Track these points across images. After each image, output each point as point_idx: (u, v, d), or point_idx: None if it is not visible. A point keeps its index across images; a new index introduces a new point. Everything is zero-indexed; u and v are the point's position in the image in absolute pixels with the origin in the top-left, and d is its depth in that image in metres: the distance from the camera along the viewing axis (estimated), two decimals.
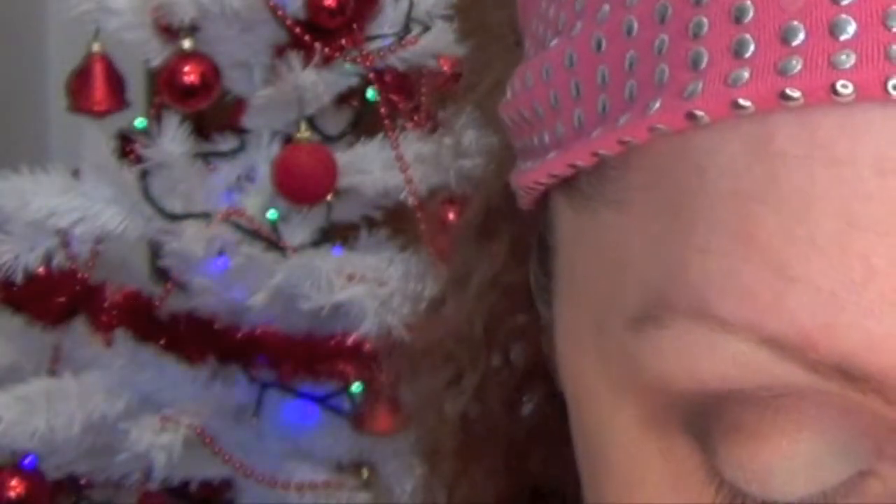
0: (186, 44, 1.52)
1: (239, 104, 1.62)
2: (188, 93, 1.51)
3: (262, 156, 1.60)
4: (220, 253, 1.58)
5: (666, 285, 0.30)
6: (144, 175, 1.53)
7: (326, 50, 1.52)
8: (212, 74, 1.53)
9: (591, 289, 0.34)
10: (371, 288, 1.48)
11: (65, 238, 1.55)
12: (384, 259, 1.54)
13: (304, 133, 1.54)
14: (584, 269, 0.34)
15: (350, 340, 1.52)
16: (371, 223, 1.66)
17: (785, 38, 0.28)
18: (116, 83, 1.62)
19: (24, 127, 2.39)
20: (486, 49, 0.44)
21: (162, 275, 1.64)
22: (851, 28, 0.27)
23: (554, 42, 0.33)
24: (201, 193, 1.56)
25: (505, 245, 0.43)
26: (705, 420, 0.30)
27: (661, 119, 0.29)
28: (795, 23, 0.27)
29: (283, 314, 1.55)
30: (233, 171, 1.62)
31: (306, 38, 1.52)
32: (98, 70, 1.61)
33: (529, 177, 0.34)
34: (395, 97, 1.63)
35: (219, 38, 1.54)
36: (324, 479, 1.59)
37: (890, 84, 0.27)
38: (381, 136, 1.61)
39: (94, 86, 1.60)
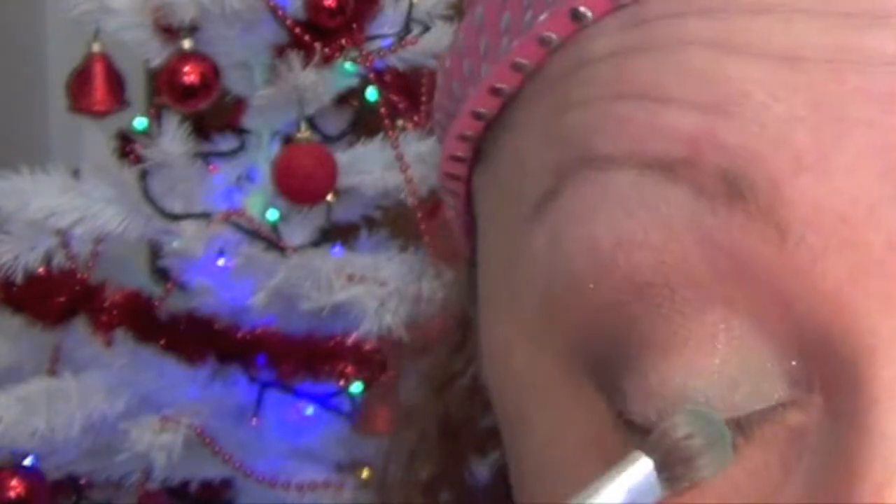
0: (186, 44, 1.52)
1: (239, 104, 1.62)
2: (188, 93, 1.51)
3: (262, 156, 1.61)
4: (220, 253, 1.58)
5: (555, 155, 0.31)
6: (144, 175, 1.53)
7: (326, 50, 1.52)
8: (212, 74, 1.53)
9: (500, 224, 0.34)
10: (371, 288, 1.48)
11: (65, 238, 1.55)
12: (384, 259, 1.55)
13: (304, 133, 1.54)
14: (492, 217, 0.34)
15: (350, 340, 1.52)
16: (371, 223, 1.67)
17: None
18: (116, 83, 1.62)
19: (24, 127, 2.39)
20: None
21: (162, 275, 1.64)
22: None
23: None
24: (201, 193, 1.56)
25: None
26: (613, 360, 0.30)
27: (548, 27, 0.31)
28: None
29: (283, 314, 1.55)
30: (233, 171, 1.62)
31: (306, 38, 1.52)
32: (98, 70, 1.61)
33: (445, 154, 0.35)
34: (395, 97, 1.63)
35: (219, 38, 1.54)
36: (324, 479, 1.59)
37: None
38: (381, 136, 1.61)
39: (94, 86, 1.60)
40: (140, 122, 1.59)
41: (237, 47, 1.56)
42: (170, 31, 1.52)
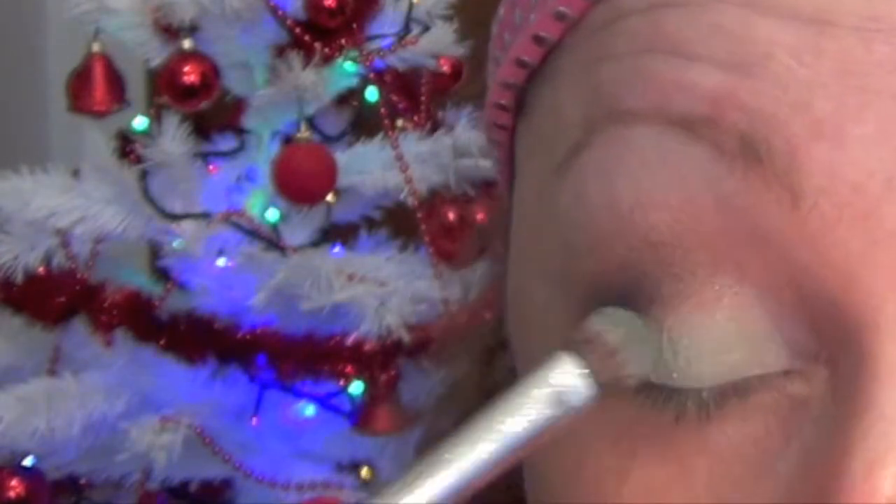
0: (186, 44, 1.52)
1: (239, 104, 1.62)
2: (188, 93, 1.51)
3: (262, 156, 1.60)
4: (220, 253, 1.58)
5: (585, 109, 0.31)
6: (144, 175, 1.53)
7: (326, 50, 1.52)
8: (212, 74, 1.52)
9: (532, 175, 0.34)
10: (371, 288, 1.48)
11: (65, 238, 1.55)
12: (384, 259, 1.55)
13: (304, 133, 1.54)
14: (526, 168, 0.35)
15: (350, 340, 1.52)
16: (371, 223, 1.67)
17: None
18: (116, 83, 1.62)
19: (24, 127, 2.38)
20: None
21: (162, 275, 1.64)
22: None
23: None
24: (201, 193, 1.56)
25: None
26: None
27: None
28: None
29: (283, 314, 1.55)
30: (233, 171, 1.62)
31: (306, 38, 1.52)
32: (98, 70, 1.61)
33: (490, 101, 0.35)
34: (395, 97, 1.63)
35: (219, 38, 1.54)
36: (324, 479, 1.59)
37: None
38: (381, 136, 1.61)
39: (94, 86, 1.60)
40: (140, 122, 1.59)
41: (237, 47, 1.56)
42: (170, 31, 1.52)
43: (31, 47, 2.38)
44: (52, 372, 1.60)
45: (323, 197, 1.56)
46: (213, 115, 1.61)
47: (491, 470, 0.28)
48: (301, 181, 1.52)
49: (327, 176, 1.53)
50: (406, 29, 1.60)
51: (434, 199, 1.58)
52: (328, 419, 1.64)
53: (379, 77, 1.59)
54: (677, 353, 0.29)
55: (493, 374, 0.44)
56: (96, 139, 1.56)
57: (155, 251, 1.66)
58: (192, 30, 1.52)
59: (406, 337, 1.46)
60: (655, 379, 0.30)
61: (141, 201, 1.52)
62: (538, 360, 0.30)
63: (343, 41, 1.53)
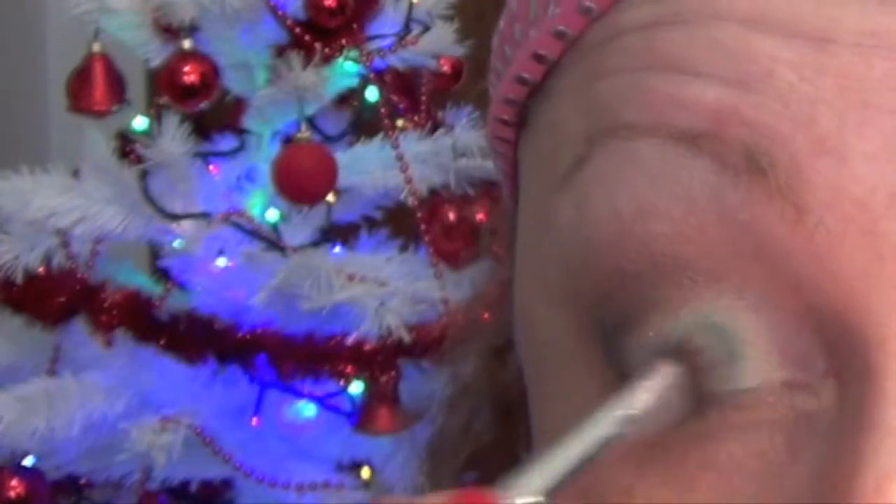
0: (186, 44, 1.52)
1: (239, 104, 1.62)
2: (188, 93, 1.51)
3: (262, 156, 1.60)
4: (220, 253, 1.58)
5: (585, 124, 0.31)
6: (144, 175, 1.53)
7: (326, 50, 1.52)
8: (212, 74, 1.52)
9: (535, 189, 0.34)
10: (371, 288, 1.48)
11: (65, 238, 1.54)
12: (384, 259, 1.54)
13: (304, 133, 1.54)
14: (529, 183, 0.35)
15: (350, 340, 1.52)
16: (371, 223, 1.66)
17: None
18: (116, 83, 1.62)
19: (24, 127, 2.38)
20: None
21: (162, 275, 1.64)
22: None
23: None
24: (201, 193, 1.56)
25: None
26: (621, 324, 0.30)
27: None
28: None
29: (284, 314, 1.55)
30: (233, 171, 1.62)
31: (306, 38, 1.52)
32: (98, 70, 1.61)
33: (492, 115, 0.36)
34: (395, 97, 1.63)
35: (219, 38, 1.54)
36: (324, 479, 1.59)
37: None
38: (381, 136, 1.61)
39: (94, 86, 1.60)
40: (140, 122, 1.59)
41: (237, 47, 1.56)
42: (170, 31, 1.52)
43: (31, 47, 2.38)
44: (52, 372, 1.60)
45: (323, 197, 1.56)
46: (213, 115, 1.61)
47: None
48: (301, 181, 1.52)
49: (327, 176, 1.53)
50: (406, 29, 1.60)
51: (434, 199, 1.58)
52: (328, 419, 1.64)
53: (379, 77, 1.59)
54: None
55: (502, 373, 0.44)
56: (96, 139, 1.56)
57: (155, 251, 1.66)
58: (192, 30, 1.52)
59: (406, 337, 1.46)
60: None
61: (141, 201, 1.52)
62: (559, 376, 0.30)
63: (343, 41, 1.53)
